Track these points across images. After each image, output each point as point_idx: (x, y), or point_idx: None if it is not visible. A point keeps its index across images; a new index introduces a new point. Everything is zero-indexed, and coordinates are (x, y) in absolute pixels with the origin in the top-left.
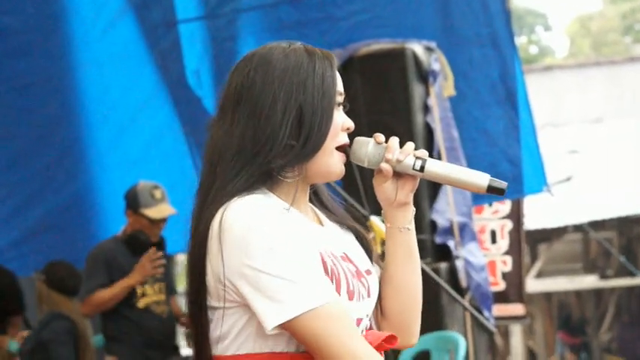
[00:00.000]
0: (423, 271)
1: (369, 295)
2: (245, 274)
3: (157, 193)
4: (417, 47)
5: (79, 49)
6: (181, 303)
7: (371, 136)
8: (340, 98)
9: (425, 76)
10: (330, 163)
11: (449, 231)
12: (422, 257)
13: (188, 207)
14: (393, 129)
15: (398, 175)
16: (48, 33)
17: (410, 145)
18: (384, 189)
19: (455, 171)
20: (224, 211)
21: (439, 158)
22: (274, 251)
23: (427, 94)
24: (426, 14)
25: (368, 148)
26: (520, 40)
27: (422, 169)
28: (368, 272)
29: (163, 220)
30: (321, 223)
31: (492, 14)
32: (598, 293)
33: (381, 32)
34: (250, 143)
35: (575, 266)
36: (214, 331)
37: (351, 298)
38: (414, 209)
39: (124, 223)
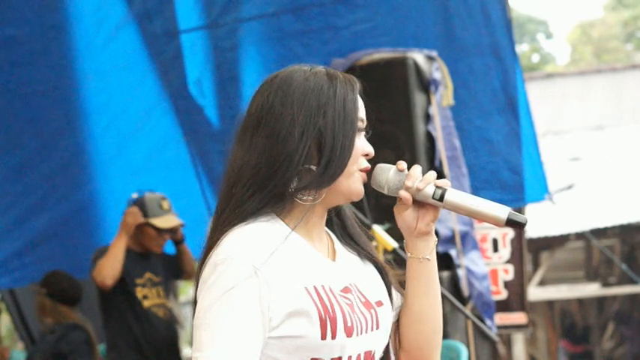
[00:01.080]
0: None
1: (377, 327)
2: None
3: (165, 204)
4: (418, 56)
5: (81, 59)
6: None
7: (372, 145)
8: (362, 124)
9: (426, 85)
10: (350, 185)
11: (451, 240)
12: None
13: (189, 216)
14: (394, 138)
15: (419, 204)
16: (51, 43)
17: (431, 175)
18: (404, 217)
19: (475, 202)
20: (223, 240)
21: (440, 167)
22: (219, 301)
23: (429, 103)
24: (427, 23)
25: (389, 174)
26: (522, 48)
27: (441, 198)
28: (379, 304)
29: (169, 231)
30: (333, 253)
31: (493, 23)
32: (600, 301)
33: (382, 41)
34: (266, 166)
35: (578, 274)
36: None
37: (349, 334)
38: (436, 239)
39: None
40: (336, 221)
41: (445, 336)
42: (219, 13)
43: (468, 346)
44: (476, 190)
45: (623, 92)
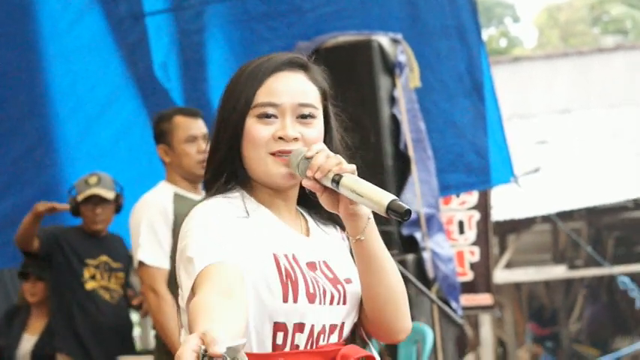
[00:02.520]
0: None
1: (344, 303)
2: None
3: (92, 180)
4: (383, 39)
5: (47, 41)
6: None
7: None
8: (269, 109)
9: (391, 68)
10: (265, 170)
11: (416, 222)
12: (389, 249)
13: None
14: (359, 121)
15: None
16: (15, 26)
17: (332, 161)
18: (324, 201)
19: (365, 190)
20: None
21: (405, 150)
22: (196, 227)
23: (393, 85)
24: (392, 6)
25: (298, 159)
26: (489, 32)
27: (337, 185)
28: (348, 281)
29: (93, 205)
30: (306, 230)
31: (459, 6)
32: (567, 283)
33: (347, 24)
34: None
35: (544, 257)
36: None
37: (311, 300)
38: (369, 217)
39: None
40: (312, 202)
41: (411, 318)
42: None
43: (433, 328)
44: (441, 173)
45: (590, 76)
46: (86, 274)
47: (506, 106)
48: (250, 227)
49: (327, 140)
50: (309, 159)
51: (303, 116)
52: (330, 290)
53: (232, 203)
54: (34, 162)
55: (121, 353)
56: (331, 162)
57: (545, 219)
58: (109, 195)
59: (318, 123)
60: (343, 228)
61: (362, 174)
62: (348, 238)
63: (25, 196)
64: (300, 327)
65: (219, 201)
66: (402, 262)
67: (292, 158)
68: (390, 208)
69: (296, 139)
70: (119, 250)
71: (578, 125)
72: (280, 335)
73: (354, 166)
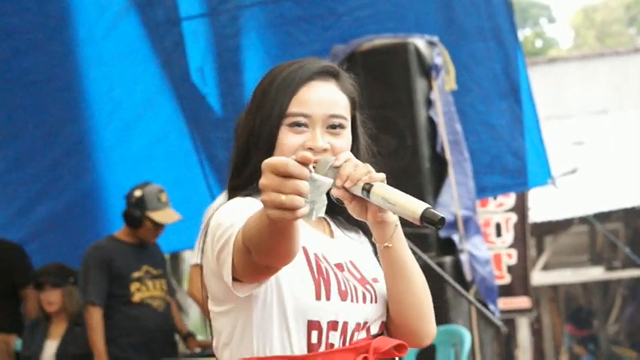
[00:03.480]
0: (428, 266)
1: (374, 301)
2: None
3: (163, 197)
4: (419, 42)
5: (83, 47)
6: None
7: (374, 131)
8: (300, 118)
9: (427, 71)
10: None
11: (453, 225)
12: (426, 251)
13: (192, 204)
14: (396, 124)
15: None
16: (52, 32)
17: (361, 170)
18: (352, 209)
19: (397, 199)
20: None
21: (442, 153)
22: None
23: (430, 88)
24: (428, 9)
25: (326, 170)
26: (524, 33)
27: (368, 194)
28: (375, 280)
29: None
30: (330, 233)
31: (494, 7)
32: (604, 285)
33: (383, 27)
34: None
35: (582, 258)
36: (218, 337)
37: (344, 298)
38: (397, 224)
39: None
40: (338, 209)
41: (448, 321)
42: (220, 0)
43: (471, 330)
44: (478, 175)
45: (626, 76)
46: (132, 287)
47: (543, 107)
48: None
49: (354, 149)
50: (337, 168)
51: (333, 126)
52: (361, 289)
53: (257, 202)
54: (71, 167)
55: (167, 356)
56: (361, 171)
57: (583, 220)
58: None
59: (347, 133)
60: (368, 234)
61: (399, 176)
62: (374, 245)
63: (61, 202)
64: (333, 325)
65: (245, 198)
66: (439, 265)
67: (319, 168)
68: (424, 216)
69: (325, 150)
70: (157, 257)
71: (614, 126)
72: (315, 334)
73: (383, 175)
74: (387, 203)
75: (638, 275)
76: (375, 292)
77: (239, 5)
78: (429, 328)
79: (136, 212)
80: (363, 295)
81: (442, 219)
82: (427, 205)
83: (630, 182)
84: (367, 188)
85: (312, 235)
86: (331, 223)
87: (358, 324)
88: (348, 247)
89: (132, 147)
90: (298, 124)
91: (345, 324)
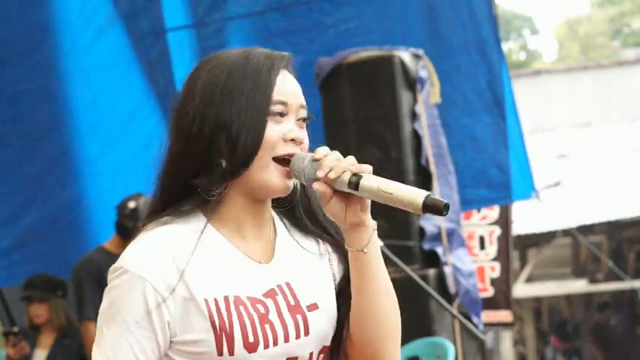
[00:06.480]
0: (411, 278)
1: (306, 334)
2: None
3: None
4: (404, 54)
5: (67, 58)
6: None
7: (359, 143)
8: (281, 107)
9: (412, 83)
10: (266, 177)
11: (437, 237)
12: (410, 263)
13: None
14: (381, 136)
15: (343, 193)
16: (37, 43)
17: (346, 161)
18: (330, 208)
19: (392, 189)
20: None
21: (427, 165)
22: (105, 313)
23: (415, 101)
24: (414, 22)
25: (304, 163)
26: (508, 45)
27: (357, 186)
28: (312, 307)
29: None
30: (271, 251)
31: (479, 21)
32: (588, 297)
33: (368, 40)
34: (169, 162)
35: (565, 271)
36: None
37: (251, 349)
38: (374, 229)
39: (113, 232)
40: (296, 215)
41: (432, 333)
42: (206, 11)
43: (454, 343)
44: (463, 188)
45: (611, 89)
46: None
47: (527, 120)
48: (192, 267)
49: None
50: (316, 161)
51: (303, 119)
52: (284, 326)
53: (183, 230)
54: (56, 178)
55: None
56: (346, 161)
57: (566, 233)
58: None
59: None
60: (332, 242)
61: None
62: (345, 255)
63: (46, 212)
64: None
65: (164, 233)
66: (423, 277)
67: (296, 163)
68: (426, 204)
69: (302, 142)
70: None
71: (598, 139)
72: None
73: (370, 166)
74: (382, 194)
75: (621, 288)
76: (307, 322)
77: (225, 17)
78: (394, 352)
79: (129, 223)
80: (285, 331)
81: (447, 205)
82: (427, 192)
83: (613, 195)
84: (354, 181)
85: (233, 269)
86: (279, 236)
87: None
88: (288, 268)
89: (116, 157)
90: (281, 114)
91: None
